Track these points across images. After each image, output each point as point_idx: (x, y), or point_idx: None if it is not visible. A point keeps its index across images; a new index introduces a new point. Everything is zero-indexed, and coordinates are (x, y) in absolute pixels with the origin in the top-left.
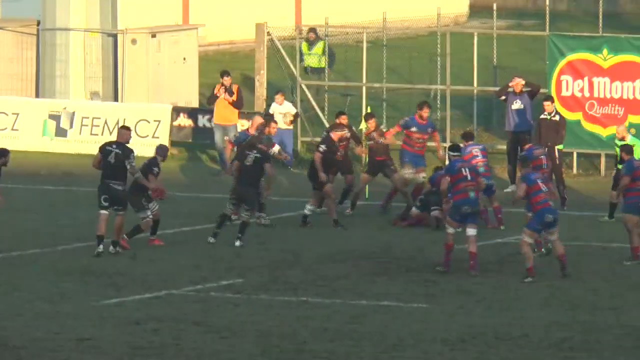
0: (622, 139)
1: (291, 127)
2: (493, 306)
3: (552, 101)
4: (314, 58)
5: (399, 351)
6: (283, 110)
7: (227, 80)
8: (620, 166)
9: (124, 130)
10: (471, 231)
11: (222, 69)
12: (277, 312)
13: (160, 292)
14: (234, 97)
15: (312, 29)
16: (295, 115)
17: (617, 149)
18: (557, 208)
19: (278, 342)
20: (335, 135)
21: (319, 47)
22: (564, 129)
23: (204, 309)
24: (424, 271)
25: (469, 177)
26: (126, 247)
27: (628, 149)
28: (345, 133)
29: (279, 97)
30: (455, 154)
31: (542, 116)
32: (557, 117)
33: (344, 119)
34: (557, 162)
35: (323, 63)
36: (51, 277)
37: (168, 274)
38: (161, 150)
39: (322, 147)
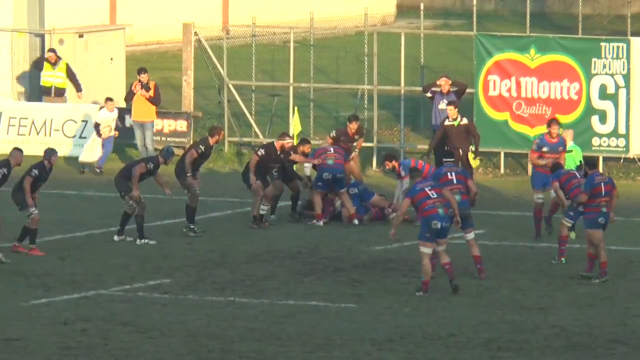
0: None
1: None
2: (421, 306)
3: (455, 106)
4: (59, 78)
5: (326, 351)
6: (113, 117)
7: (144, 77)
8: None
9: (16, 151)
10: (440, 247)
11: (140, 67)
12: (205, 312)
13: (89, 293)
14: (151, 93)
15: (52, 50)
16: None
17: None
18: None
19: (206, 342)
20: (277, 144)
21: (61, 67)
22: (475, 128)
23: (132, 309)
24: (351, 271)
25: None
26: (24, 251)
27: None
28: (289, 143)
29: (110, 104)
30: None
31: (447, 123)
32: (464, 121)
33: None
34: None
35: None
36: None
37: (96, 274)
38: (48, 154)
39: (261, 151)
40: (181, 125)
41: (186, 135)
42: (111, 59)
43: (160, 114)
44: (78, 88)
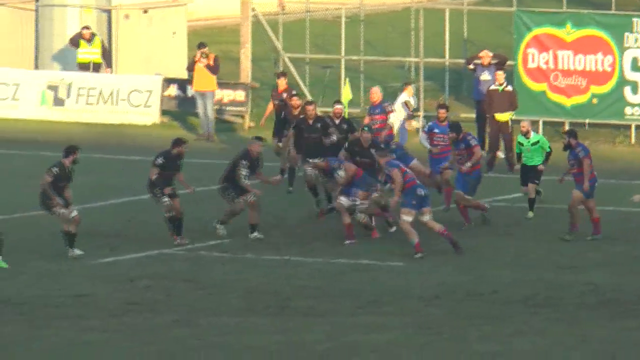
0: (527, 133)
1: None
2: (464, 265)
3: (504, 71)
4: (94, 54)
5: (376, 307)
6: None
7: (204, 50)
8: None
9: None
10: (426, 216)
11: (200, 42)
12: (263, 271)
13: (153, 252)
14: (211, 62)
15: (86, 27)
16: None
17: (521, 144)
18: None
19: (263, 299)
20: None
21: (96, 43)
22: (516, 98)
23: (194, 267)
24: (400, 232)
25: None
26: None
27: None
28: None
29: (409, 88)
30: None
31: (492, 87)
32: (509, 88)
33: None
34: (510, 130)
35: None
36: (50, 238)
37: (160, 234)
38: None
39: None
40: (239, 95)
41: (244, 104)
42: (173, 33)
43: (220, 85)
44: (108, 64)
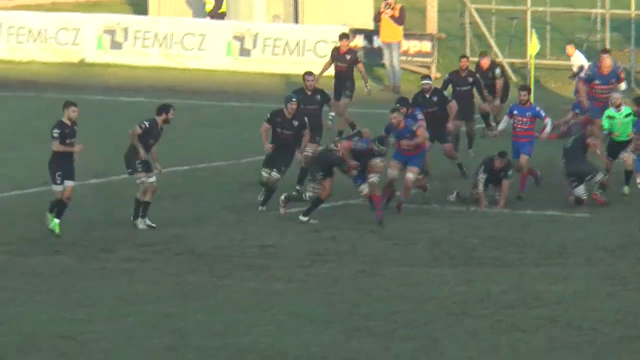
0: (619, 106)
1: None
2: None
3: None
4: (209, 3)
5: (562, 258)
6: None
7: (389, 1)
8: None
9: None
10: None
11: None
12: (448, 221)
13: (338, 202)
14: (395, 13)
15: None
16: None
17: (613, 117)
18: None
19: (448, 249)
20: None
21: None
22: None
23: (374, 219)
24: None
25: None
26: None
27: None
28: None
29: (569, 48)
30: None
31: None
32: None
33: None
34: None
35: (224, 8)
36: (235, 188)
37: (345, 186)
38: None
39: None
40: (425, 46)
41: (430, 55)
42: None
43: (406, 36)
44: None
